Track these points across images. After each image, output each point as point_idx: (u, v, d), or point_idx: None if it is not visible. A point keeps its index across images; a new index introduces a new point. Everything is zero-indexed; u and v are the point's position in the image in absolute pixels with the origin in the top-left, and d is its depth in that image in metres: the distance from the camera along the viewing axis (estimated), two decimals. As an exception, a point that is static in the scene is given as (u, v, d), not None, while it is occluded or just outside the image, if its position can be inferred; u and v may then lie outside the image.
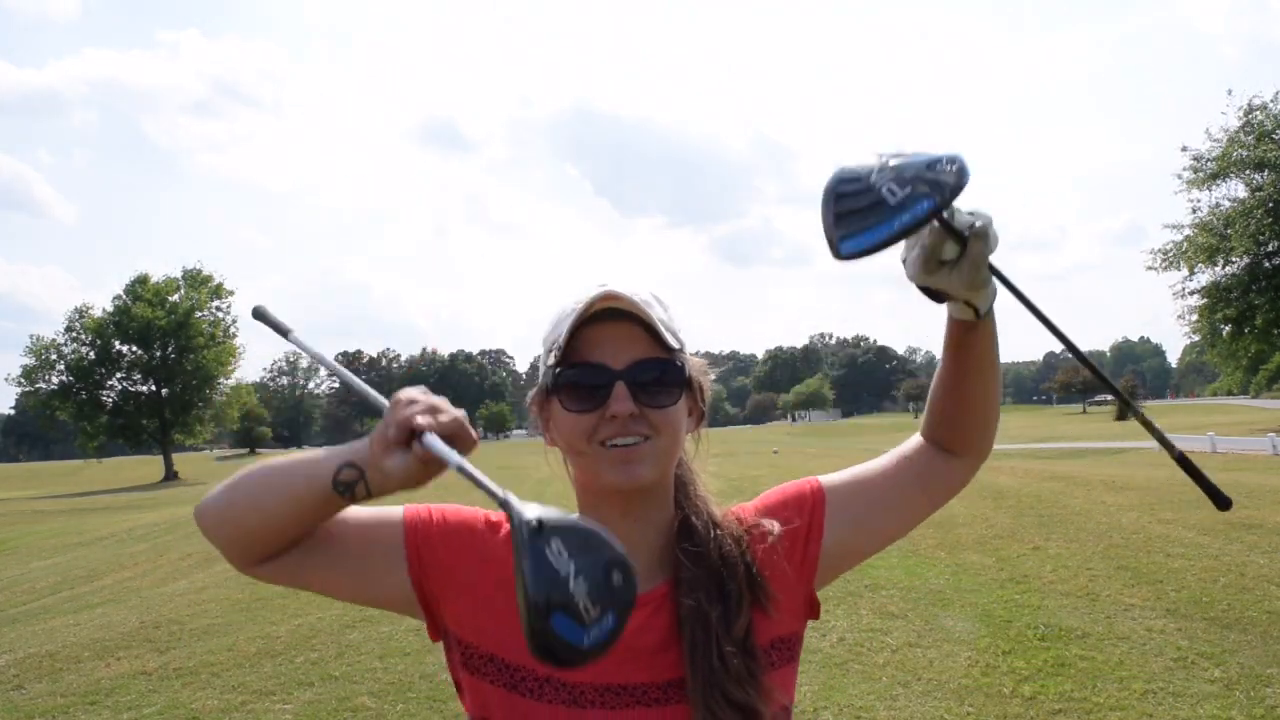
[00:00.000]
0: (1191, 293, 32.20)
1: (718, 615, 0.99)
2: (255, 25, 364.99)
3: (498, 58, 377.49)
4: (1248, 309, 30.19)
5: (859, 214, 0.84)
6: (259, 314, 1.04)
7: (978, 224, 0.87)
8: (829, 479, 1.12)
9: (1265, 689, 4.53)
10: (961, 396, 1.06)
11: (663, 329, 0.98)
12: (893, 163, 0.85)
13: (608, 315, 0.98)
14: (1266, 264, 30.37)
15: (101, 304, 56.95)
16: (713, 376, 1.11)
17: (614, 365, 0.98)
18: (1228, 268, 31.06)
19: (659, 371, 0.99)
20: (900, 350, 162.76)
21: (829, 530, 1.07)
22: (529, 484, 16.91)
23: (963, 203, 0.85)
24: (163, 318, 52.39)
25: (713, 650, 0.97)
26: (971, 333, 0.98)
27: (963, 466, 1.11)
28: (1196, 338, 34.51)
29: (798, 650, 1.08)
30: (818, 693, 4.75)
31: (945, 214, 0.84)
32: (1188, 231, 31.75)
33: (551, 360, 1.00)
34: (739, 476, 15.46)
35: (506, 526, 1.04)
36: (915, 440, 1.13)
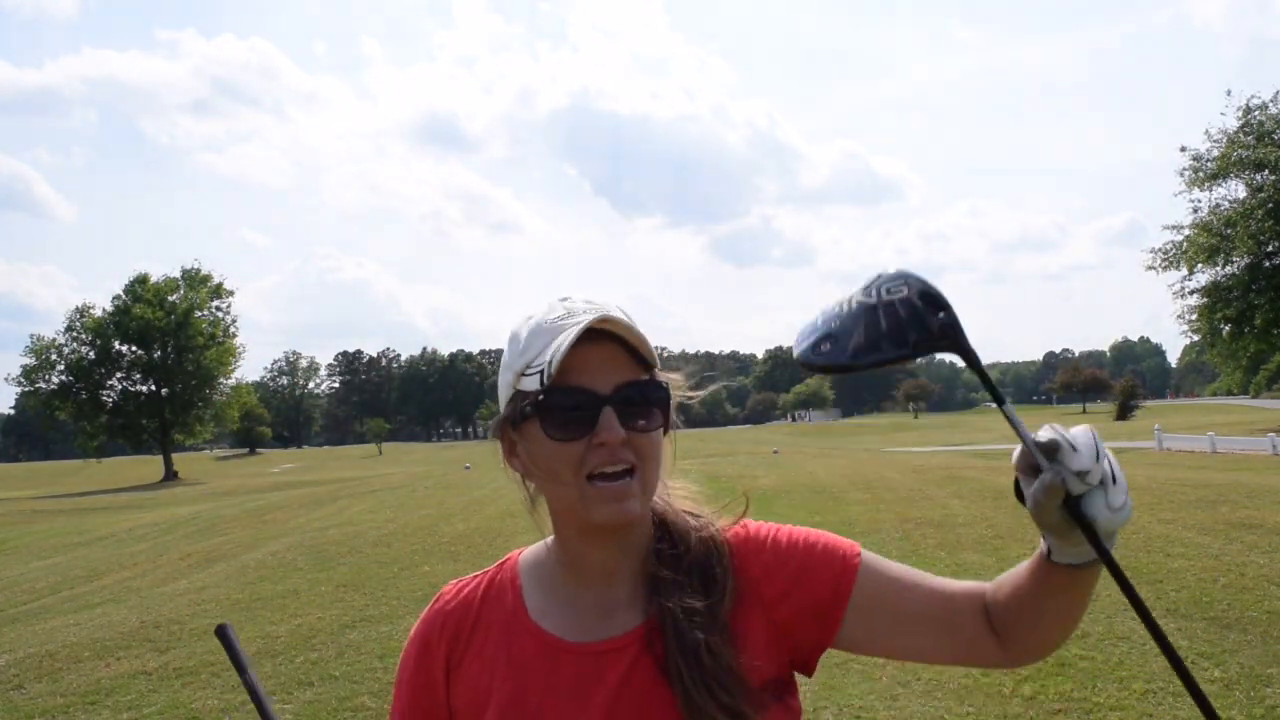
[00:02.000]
0: (1191, 293, 32.23)
1: (704, 649, 0.94)
2: (254, 24, 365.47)
3: (497, 57, 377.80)
4: (1248, 309, 30.20)
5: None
6: (221, 634, 1.08)
7: (1067, 461, 0.82)
8: (869, 560, 1.01)
9: (1265, 689, 4.53)
10: (1023, 615, 0.95)
11: (645, 350, 0.95)
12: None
13: (590, 335, 0.92)
14: (1266, 264, 30.37)
15: (102, 304, 57.01)
16: (680, 393, 1.04)
17: (600, 389, 0.93)
18: (1228, 268, 31.07)
19: (644, 394, 0.95)
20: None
21: (848, 613, 0.99)
22: (529, 484, 16.90)
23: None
24: (162, 318, 52.39)
25: (706, 680, 0.92)
26: (1045, 572, 0.91)
27: (1000, 653, 0.98)
28: (1196, 338, 34.51)
29: (786, 691, 1.01)
30: (818, 693, 4.75)
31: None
32: (1188, 231, 31.77)
33: (534, 384, 0.93)
34: (739, 476, 15.46)
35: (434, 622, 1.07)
36: (976, 590, 0.99)
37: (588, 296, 0.98)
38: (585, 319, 0.92)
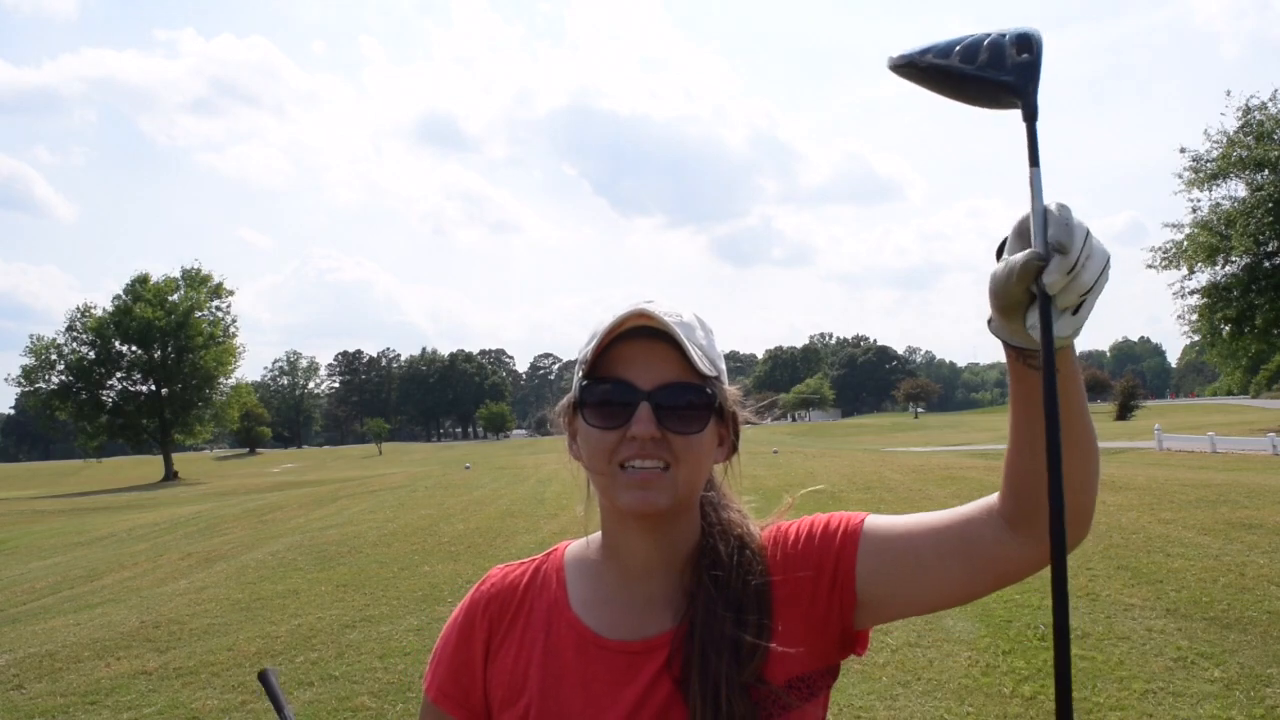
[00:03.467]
0: (1191, 292, 32.24)
1: (729, 660, 0.95)
2: (253, 24, 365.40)
3: (496, 56, 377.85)
4: (1248, 309, 30.20)
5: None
6: (264, 679, 1.21)
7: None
8: (873, 521, 1.01)
9: (1265, 689, 4.53)
10: (1018, 457, 0.92)
11: (696, 353, 0.95)
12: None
13: (643, 334, 0.96)
14: (1266, 264, 30.38)
15: (102, 304, 57.04)
16: (747, 413, 1.07)
17: (641, 385, 0.95)
18: (1228, 267, 31.08)
19: (687, 396, 0.96)
20: (900, 350, 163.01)
21: (859, 575, 0.98)
22: (529, 484, 16.91)
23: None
24: (163, 318, 52.41)
25: (717, 697, 0.93)
26: (1021, 372, 0.87)
27: (1020, 550, 0.93)
28: (1196, 338, 34.50)
29: (822, 686, 1.01)
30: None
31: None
32: (1188, 230, 31.78)
33: (580, 374, 1.00)
34: (739, 476, 15.42)
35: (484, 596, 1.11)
36: (987, 500, 0.97)
37: (672, 305, 1.00)
38: (625, 312, 0.96)
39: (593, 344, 0.97)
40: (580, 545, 1.12)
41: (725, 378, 1.03)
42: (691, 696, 0.94)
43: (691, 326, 0.99)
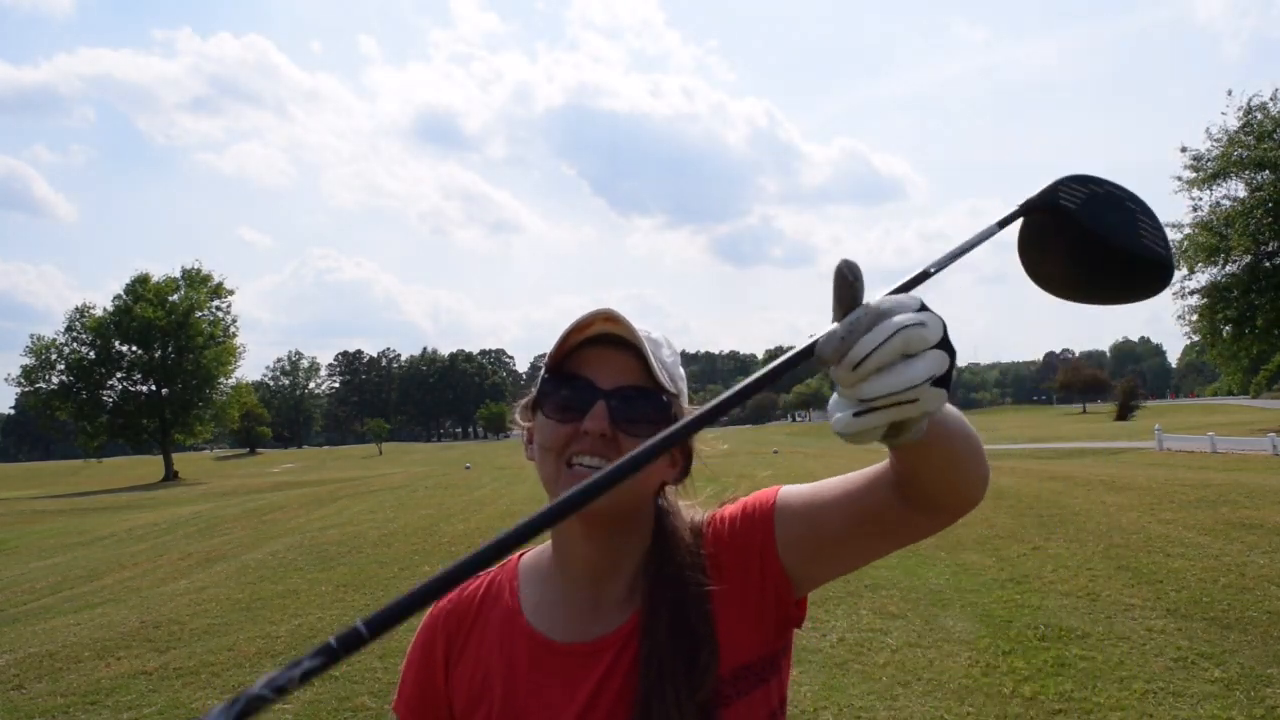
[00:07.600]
0: (1191, 293, 32.21)
1: (678, 654, 0.97)
2: (250, 23, 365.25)
3: (494, 55, 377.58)
4: (1248, 309, 30.18)
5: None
6: None
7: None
8: (785, 495, 1.01)
9: (1265, 689, 4.53)
10: (902, 476, 0.87)
11: (656, 364, 0.99)
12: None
13: (609, 341, 1.00)
14: (1267, 264, 30.36)
15: (102, 303, 57.08)
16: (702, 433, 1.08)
17: (600, 384, 0.98)
18: (1228, 267, 31.06)
19: (643, 401, 0.99)
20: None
21: (781, 555, 0.99)
22: (529, 484, 16.90)
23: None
24: (163, 318, 52.38)
25: (668, 704, 0.95)
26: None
27: (927, 520, 0.90)
28: (1196, 338, 34.47)
29: (770, 672, 1.02)
30: (818, 693, 4.74)
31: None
32: (1188, 230, 31.76)
33: (544, 372, 1.03)
34: (739, 476, 15.46)
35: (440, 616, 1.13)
36: (883, 471, 0.91)
37: (639, 323, 1.01)
38: (592, 311, 0.99)
39: (558, 342, 1.00)
40: (534, 553, 1.14)
41: (685, 400, 1.06)
42: (643, 689, 0.97)
43: (658, 343, 1.02)
